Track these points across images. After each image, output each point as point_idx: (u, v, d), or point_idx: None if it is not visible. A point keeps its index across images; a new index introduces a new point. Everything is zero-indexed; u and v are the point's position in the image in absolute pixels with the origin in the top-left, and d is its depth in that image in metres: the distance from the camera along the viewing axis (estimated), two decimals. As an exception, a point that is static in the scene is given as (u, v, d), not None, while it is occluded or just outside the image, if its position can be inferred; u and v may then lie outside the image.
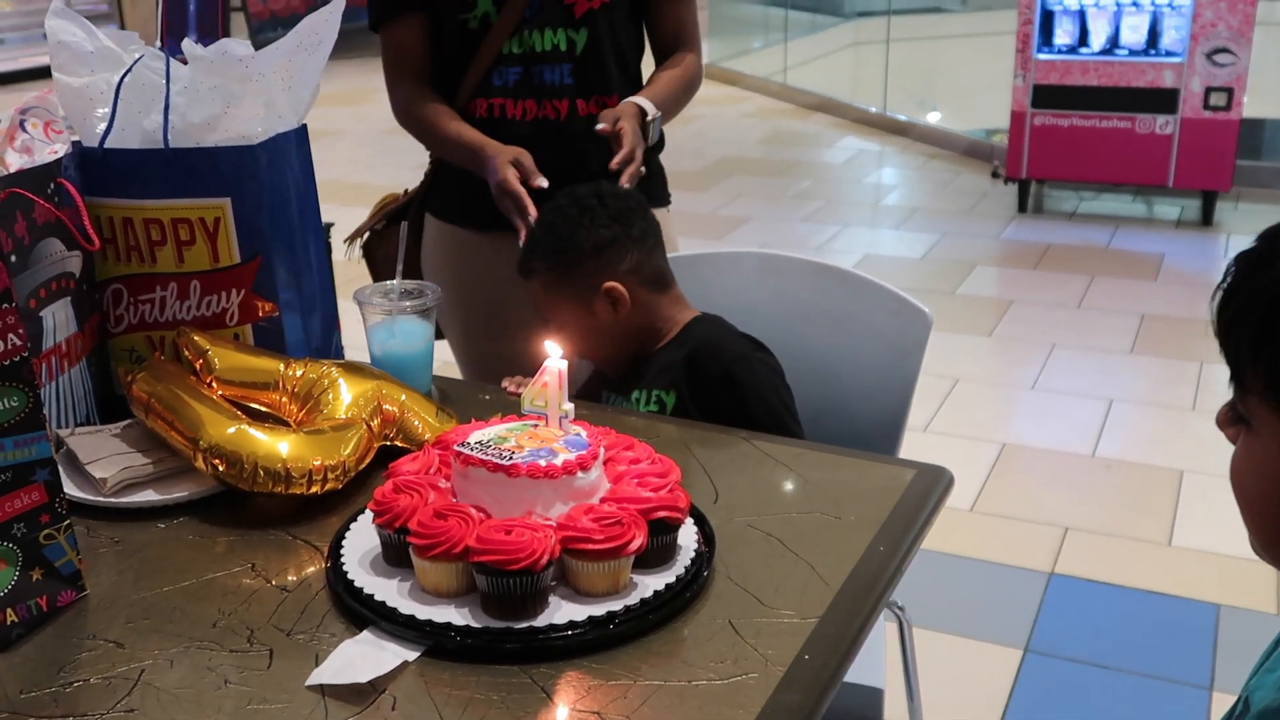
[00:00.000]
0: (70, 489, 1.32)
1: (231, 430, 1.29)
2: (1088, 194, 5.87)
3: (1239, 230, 5.30)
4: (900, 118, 7.58)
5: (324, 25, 1.49)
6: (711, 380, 1.59)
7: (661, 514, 1.13)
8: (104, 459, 1.35)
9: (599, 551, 1.08)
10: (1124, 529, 2.91)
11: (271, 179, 1.46)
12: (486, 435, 1.18)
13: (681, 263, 1.91)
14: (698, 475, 1.37)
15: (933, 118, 7.46)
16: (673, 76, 1.99)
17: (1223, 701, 2.26)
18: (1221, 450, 0.83)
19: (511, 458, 1.13)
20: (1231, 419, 0.80)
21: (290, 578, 1.19)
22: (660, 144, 2.04)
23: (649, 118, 1.85)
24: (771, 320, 1.85)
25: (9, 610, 1.09)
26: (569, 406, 1.19)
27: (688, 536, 1.20)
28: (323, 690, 1.01)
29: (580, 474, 1.14)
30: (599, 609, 1.08)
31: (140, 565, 1.23)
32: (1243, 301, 0.75)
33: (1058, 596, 2.64)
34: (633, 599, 1.10)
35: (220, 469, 1.27)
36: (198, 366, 1.41)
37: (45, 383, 1.37)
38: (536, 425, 1.20)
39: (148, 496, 1.32)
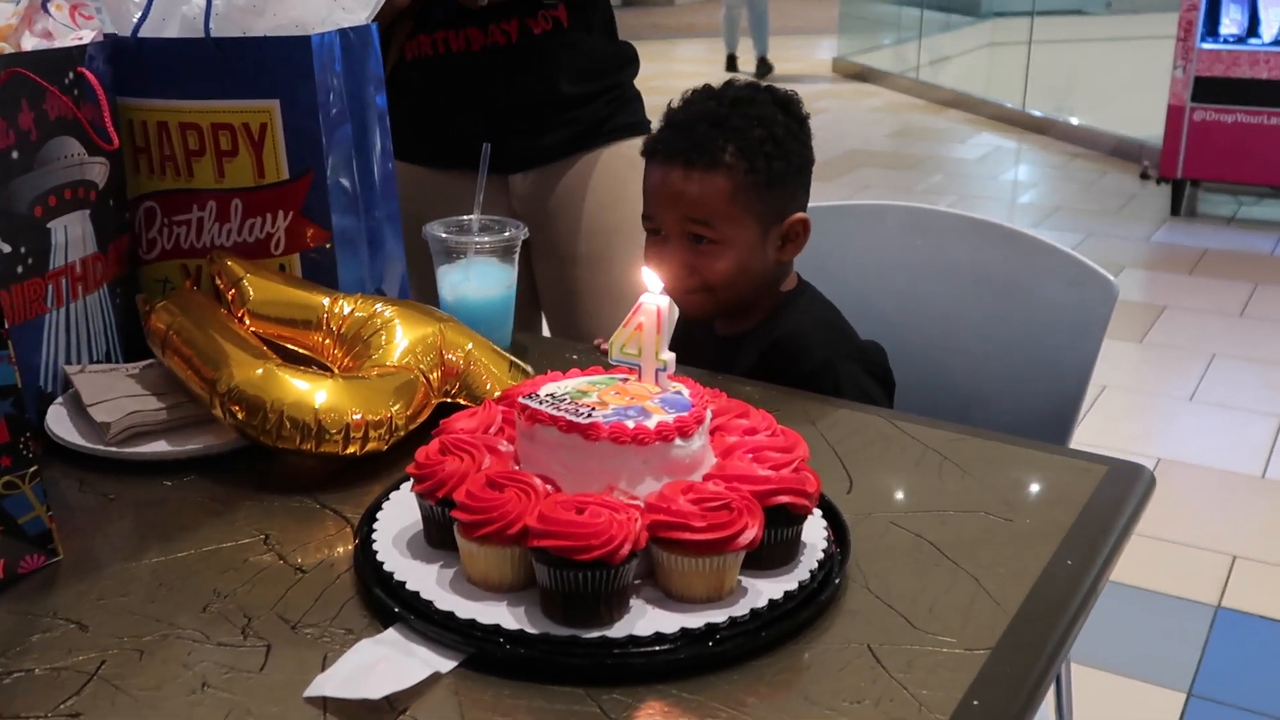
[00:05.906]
0: (72, 435, 1.10)
1: (258, 371, 1.05)
2: (1247, 199, 5.40)
3: None
4: (1039, 114, 7.14)
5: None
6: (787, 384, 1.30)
7: (783, 499, 0.86)
8: (110, 401, 1.12)
9: (699, 543, 0.81)
10: (1303, 562, 2.53)
11: (330, 80, 1.22)
12: (562, 388, 0.92)
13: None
14: (826, 457, 1.10)
15: (1074, 120, 7.02)
16: None
17: None
18: None
19: (591, 415, 0.87)
20: None
21: (310, 555, 0.94)
22: (634, 67, 1.79)
23: None
24: (917, 286, 1.56)
25: (-47, 574, 0.86)
26: (669, 356, 0.93)
27: (815, 532, 0.92)
28: (324, 705, 0.76)
29: (679, 441, 0.87)
30: (695, 619, 0.81)
31: (131, 528, 1.00)
32: None
33: (1225, 633, 2.28)
34: (741, 609, 0.83)
35: (239, 416, 1.03)
36: (230, 297, 1.18)
37: (51, 308, 1.15)
38: (626, 379, 0.94)
39: (156, 447, 1.10)
